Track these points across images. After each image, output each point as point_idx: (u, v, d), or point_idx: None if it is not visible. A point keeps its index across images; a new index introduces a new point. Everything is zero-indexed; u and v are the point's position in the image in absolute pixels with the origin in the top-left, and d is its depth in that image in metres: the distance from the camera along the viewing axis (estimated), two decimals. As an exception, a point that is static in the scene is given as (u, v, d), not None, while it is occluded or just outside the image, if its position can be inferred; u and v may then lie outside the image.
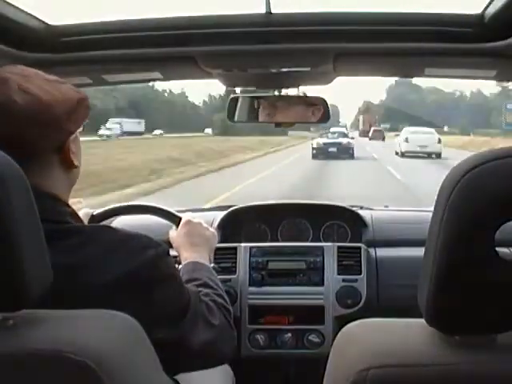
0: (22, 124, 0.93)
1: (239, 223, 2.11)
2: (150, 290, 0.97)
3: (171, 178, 14.37)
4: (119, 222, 1.86)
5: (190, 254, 1.34)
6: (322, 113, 1.62)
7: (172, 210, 1.57)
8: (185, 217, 1.47)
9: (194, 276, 1.24)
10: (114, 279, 0.93)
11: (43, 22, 1.34)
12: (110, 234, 1.00)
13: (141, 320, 0.81)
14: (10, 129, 0.92)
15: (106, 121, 40.94)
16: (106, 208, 1.64)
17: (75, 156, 1.02)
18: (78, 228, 1.00)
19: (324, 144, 23.09)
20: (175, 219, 1.51)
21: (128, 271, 0.95)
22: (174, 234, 1.45)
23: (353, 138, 26.77)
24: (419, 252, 0.76)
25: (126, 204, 1.66)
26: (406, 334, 0.76)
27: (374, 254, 1.95)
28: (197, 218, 1.47)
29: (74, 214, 1.03)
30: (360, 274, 1.87)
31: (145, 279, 0.97)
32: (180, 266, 1.30)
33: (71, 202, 1.08)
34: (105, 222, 1.65)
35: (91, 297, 0.90)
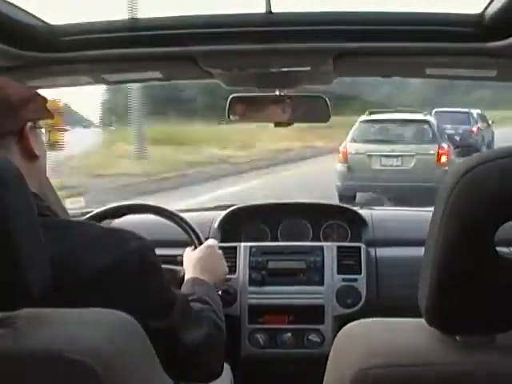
0: None
1: (239, 223, 2.11)
2: (135, 280, 0.97)
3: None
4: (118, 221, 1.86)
5: (198, 274, 1.34)
6: (322, 112, 1.62)
7: (198, 230, 1.62)
8: (209, 241, 1.50)
9: (192, 290, 1.24)
10: (98, 271, 0.94)
11: (43, 22, 1.34)
12: (92, 227, 1.03)
13: (128, 310, 0.81)
14: None
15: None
16: (143, 203, 1.67)
17: (36, 147, 1.04)
18: (59, 222, 1.02)
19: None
20: (197, 240, 1.54)
21: (112, 262, 0.95)
22: (190, 252, 1.47)
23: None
24: (419, 252, 0.76)
25: (157, 206, 1.69)
26: (406, 334, 0.76)
27: (373, 253, 1.95)
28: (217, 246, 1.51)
29: (50, 208, 1.04)
30: (360, 273, 1.87)
31: (129, 270, 0.97)
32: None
33: (70, 201, 1.09)
34: (130, 217, 1.69)
35: (76, 289, 0.91)
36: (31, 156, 1.04)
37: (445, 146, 8.45)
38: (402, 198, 7.26)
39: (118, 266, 0.96)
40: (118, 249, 0.98)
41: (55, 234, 0.95)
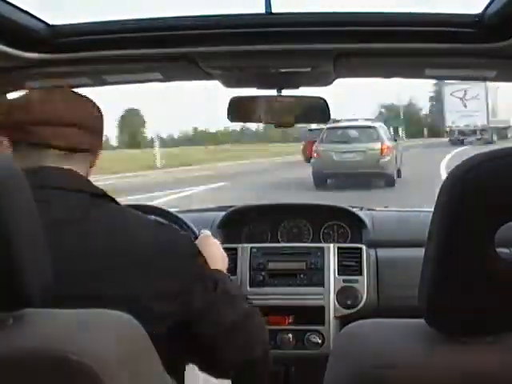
0: (90, 130, 1.11)
1: (239, 223, 2.11)
2: (183, 262, 1.06)
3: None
4: None
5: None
6: (322, 113, 1.62)
7: (192, 224, 1.61)
8: (203, 233, 1.50)
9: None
10: (152, 244, 1.02)
11: (43, 22, 1.34)
12: (147, 218, 1.15)
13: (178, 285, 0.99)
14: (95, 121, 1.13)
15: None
16: (129, 204, 1.66)
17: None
18: (118, 204, 1.11)
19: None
20: (192, 234, 1.54)
21: (169, 241, 1.05)
22: None
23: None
24: (419, 252, 0.76)
25: (149, 205, 1.69)
26: (406, 335, 0.76)
27: (374, 254, 1.94)
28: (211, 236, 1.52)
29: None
30: (360, 274, 1.87)
31: (180, 255, 1.06)
32: None
33: None
34: None
35: (129, 256, 0.99)
36: (93, 165, 1.15)
37: (387, 143, 12.56)
38: (356, 181, 11.79)
39: (172, 245, 1.05)
40: (172, 233, 1.12)
41: (112, 209, 1.07)
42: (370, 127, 13.17)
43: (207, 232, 1.50)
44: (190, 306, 1.02)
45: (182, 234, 1.15)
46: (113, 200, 1.10)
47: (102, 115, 1.16)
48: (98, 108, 1.15)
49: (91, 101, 1.16)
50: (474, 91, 26.66)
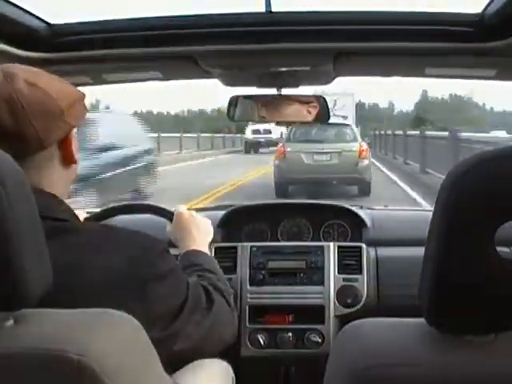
0: (27, 117, 0.91)
1: (239, 222, 2.11)
2: (148, 288, 0.97)
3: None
4: (116, 221, 1.86)
5: (189, 243, 1.35)
6: (321, 112, 1.62)
7: (164, 206, 1.57)
8: (177, 210, 1.47)
9: (194, 262, 1.25)
10: (112, 278, 0.93)
11: (44, 21, 1.34)
12: (109, 233, 1.01)
13: (138, 318, 0.81)
14: (16, 122, 0.91)
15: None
16: (100, 210, 1.64)
17: (75, 150, 1.02)
18: (78, 227, 1.00)
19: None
20: (169, 215, 1.51)
21: (127, 270, 0.95)
22: (170, 228, 1.46)
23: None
24: (419, 252, 0.76)
25: (119, 204, 1.66)
26: (406, 334, 0.76)
27: (374, 253, 1.94)
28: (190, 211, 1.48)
29: (73, 213, 1.03)
30: (360, 273, 1.87)
31: (144, 279, 0.97)
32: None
33: (69, 201, 1.08)
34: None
35: (89, 295, 0.90)
36: (71, 162, 1.01)
37: (364, 144, 10.42)
38: (321, 190, 9.49)
39: (131, 274, 0.95)
40: (132, 257, 0.96)
41: (76, 238, 0.94)
42: (346, 125, 11.16)
43: (181, 208, 1.46)
44: (153, 334, 0.84)
45: (145, 259, 0.97)
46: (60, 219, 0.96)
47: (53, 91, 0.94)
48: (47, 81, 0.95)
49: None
50: (342, 102, 31.04)
